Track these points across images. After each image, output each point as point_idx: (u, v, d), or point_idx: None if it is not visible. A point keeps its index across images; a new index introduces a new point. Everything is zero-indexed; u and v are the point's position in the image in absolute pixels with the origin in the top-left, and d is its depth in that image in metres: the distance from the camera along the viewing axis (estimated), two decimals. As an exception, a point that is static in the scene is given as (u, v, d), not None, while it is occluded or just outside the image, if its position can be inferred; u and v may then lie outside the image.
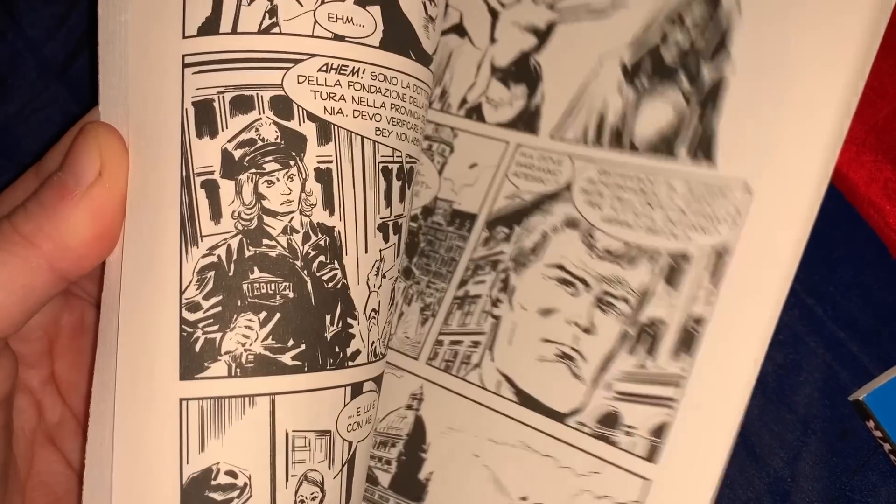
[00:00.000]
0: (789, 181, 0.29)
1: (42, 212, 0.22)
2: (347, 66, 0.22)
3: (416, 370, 0.31)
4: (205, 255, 0.21)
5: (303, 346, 0.22)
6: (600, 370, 0.29)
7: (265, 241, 0.21)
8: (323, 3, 0.21)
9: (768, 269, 0.30)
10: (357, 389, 0.23)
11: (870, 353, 0.32)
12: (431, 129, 0.34)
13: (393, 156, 0.23)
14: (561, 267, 0.30)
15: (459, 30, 0.35)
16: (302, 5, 0.21)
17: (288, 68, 0.21)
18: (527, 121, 0.32)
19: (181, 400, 0.21)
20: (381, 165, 0.23)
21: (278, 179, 0.21)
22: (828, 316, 0.32)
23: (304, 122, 0.21)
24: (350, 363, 0.23)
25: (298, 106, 0.21)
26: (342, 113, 0.22)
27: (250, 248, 0.21)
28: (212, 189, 0.21)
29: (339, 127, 0.22)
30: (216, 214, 0.21)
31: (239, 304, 0.21)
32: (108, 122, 0.22)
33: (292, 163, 0.21)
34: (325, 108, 0.22)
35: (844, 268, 0.33)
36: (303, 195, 0.21)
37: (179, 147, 0.21)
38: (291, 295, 0.22)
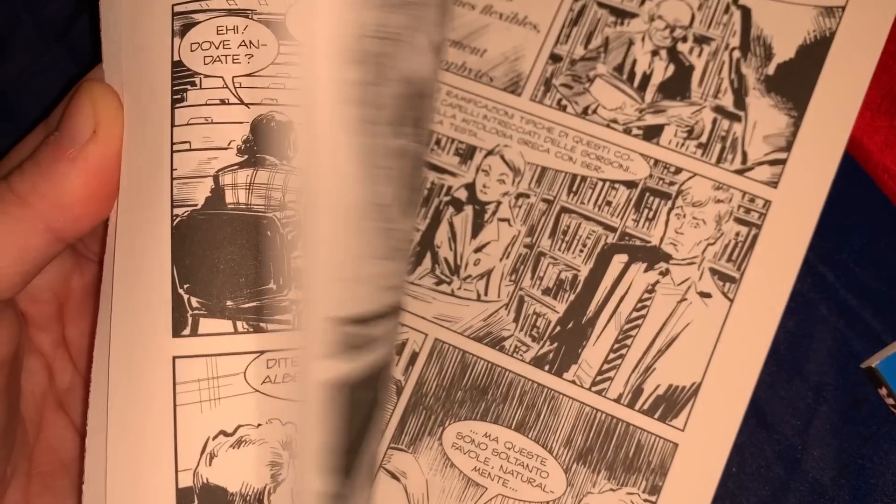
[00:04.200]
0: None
1: (37, 171, 0.21)
2: None
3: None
4: None
5: None
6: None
7: None
8: None
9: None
10: None
11: (882, 320, 0.32)
12: None
13: None
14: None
15: None
16: None
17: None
18: None
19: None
20: None
21: None
22: (840, 283, 0.32)
23: None
24: None
25: None
26: None
27: None
28: None
29: None
30: None
31: None
32: (104, 79, 0.22)
33: None
34: None
35: (858, 235, 0.32)
36: None
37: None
38: None
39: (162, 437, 0.20)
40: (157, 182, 0.21)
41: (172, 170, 0.21)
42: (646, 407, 0.30)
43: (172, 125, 0.21)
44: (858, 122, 0.31)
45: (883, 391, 0.30)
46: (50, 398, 0.27)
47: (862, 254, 0.32)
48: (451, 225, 0.31)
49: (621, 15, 0.33)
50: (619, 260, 0.31)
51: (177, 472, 0.20)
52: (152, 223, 0.21)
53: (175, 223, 0.21)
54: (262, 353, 0.21)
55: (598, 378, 0.30)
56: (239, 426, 0.20)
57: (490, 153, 0.32)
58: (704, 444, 0.29)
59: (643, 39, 0.33)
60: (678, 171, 0.31)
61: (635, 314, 0.31)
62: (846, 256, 0.32)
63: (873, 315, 0.32)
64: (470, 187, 0.32)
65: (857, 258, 0.32)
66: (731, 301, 0.30)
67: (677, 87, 0.32)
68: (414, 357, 0.31)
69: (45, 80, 0.35)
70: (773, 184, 0.31)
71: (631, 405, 0.30)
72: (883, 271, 0.32)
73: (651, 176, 0.31)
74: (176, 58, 0.21)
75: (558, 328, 0.30)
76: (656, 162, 0.31)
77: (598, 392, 0.30)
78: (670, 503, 0.29)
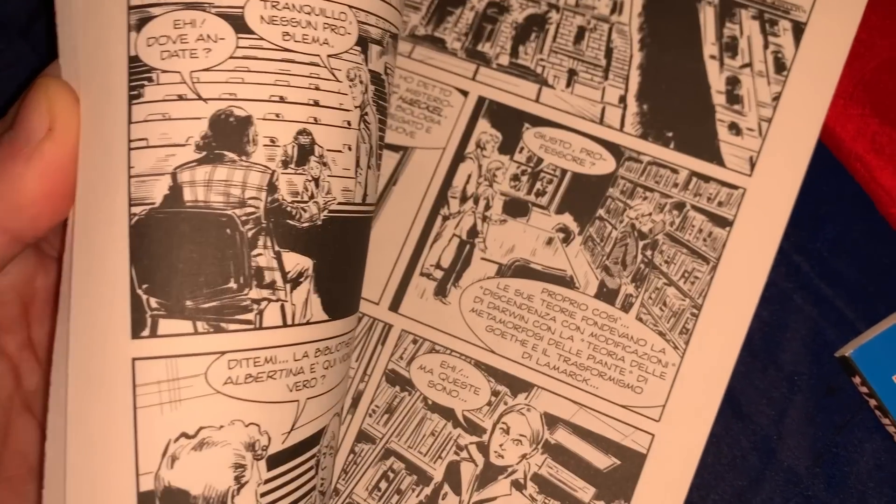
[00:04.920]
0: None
1: None
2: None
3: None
4: None
5: None
6: None
7: None
8: None
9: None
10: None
11: (856, 309, 0.32)
12: None
13: None
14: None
15: None
16: None
17: None
18: None
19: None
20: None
21: None
22: (814, 272, 0.32)
23: None
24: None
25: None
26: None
27: None
28: None
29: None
30: None
31: None
32: (60, 76, 0.21)
33: None
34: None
35: (831, 224, 0.32)
36: None
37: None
38: None
39: (122, 440, 0.20)
40: (114, 180, 0.20)
41: (130, 167, 0.20)
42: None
43: (129, 122, 0.20)
44: (831, 110, 0.31)
45: (857, 380, 0.31)
46: (17, 401, 0.26)
47: (835, 243, 0.32)
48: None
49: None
50: None
51: (138, 475, 0.20)
52: (109, 222, 0.20)
53: (133, 222, 0.20)
54: (223, 353, 0.20)
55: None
56: (201, 428, 0.20)
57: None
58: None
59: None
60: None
61: None
62: (820, 245, 0.32)
63: (847, 304, 0.32)
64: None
65: (831, 247, 0.32)
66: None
67: None
68: None
69: (9, 76, 0.34)
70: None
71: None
72: (856, 260, 0.32)
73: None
74: (133, 53, 0.20)
75: None
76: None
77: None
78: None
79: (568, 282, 0.31)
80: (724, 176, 0.31)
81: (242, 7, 0.20)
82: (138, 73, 0.20)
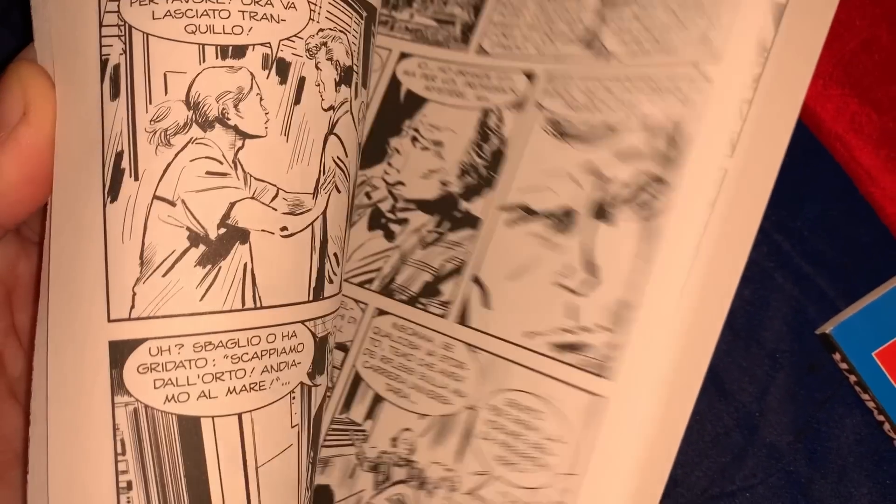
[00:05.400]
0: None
1: None
2: None
3: None
4: None
5: None
6: None
7: None
8: None
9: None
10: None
11: (836, 287, 0.32)
12: None
13: None
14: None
15: None
16: None
17: None
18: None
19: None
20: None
21: None
22: (795, 251, 0.32)
23: None
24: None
25: None
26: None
27: None
28: None
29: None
30: None
31: None
32: (34, 59, 0.21)
33: None
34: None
35: (811, 203, 0.33)
36: None
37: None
38: None
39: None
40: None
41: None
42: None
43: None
44: (810, 90, 0.31)
45: (837, 356, 0.31)
46: (1, 387, 0.26)
47: (816, 222, 0.32)
48: None
49: None
50: None
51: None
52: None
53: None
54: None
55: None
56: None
57: None
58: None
59: None
60: None
61: None
62: (800, 224, 0.33)
63: (828, 282, 0.32)
64: None
65: (812, 226, 0.32)
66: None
67: None
68: None
69: (-11, 63, 0.34)
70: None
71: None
72: (837, 239, 0.32)
73: None
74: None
75: None
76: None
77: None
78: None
79: None
80: None
81: None
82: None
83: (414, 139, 0.31)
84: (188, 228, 0.20)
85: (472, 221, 0.30)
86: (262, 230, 0.21)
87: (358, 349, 0.30)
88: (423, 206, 0.31)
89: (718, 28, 0.28)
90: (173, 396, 0.20)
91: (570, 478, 0.26)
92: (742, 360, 0.32)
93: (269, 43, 0.20)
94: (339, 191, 0.23)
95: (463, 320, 0.29)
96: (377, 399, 0.29)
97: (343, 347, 0.30)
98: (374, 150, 0.32)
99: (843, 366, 0.31)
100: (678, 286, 0.29)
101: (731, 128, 0.29)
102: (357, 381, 0.30)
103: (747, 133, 0.31)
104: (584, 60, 0.29)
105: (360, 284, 0.31)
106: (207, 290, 0.20)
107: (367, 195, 0.32)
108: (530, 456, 0.26)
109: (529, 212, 0.29)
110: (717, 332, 0.30)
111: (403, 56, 0.32)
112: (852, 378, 0.31)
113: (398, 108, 0.32)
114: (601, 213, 0.28)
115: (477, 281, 0.29)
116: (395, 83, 0.32)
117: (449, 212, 0.30)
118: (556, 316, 0.27)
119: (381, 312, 0.30)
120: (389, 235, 0.31)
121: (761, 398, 0.31)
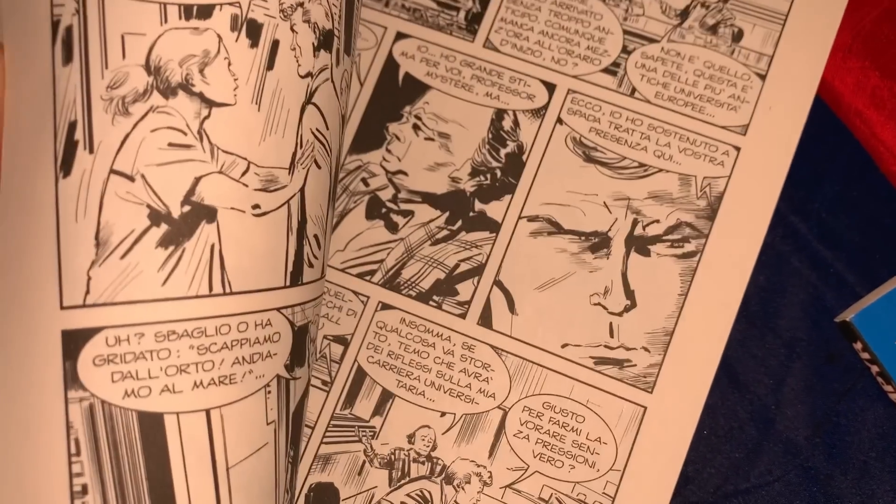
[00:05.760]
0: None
1: None
2: None
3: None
4: None
5: None
6: None
7: None
8: None
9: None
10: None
11: (856, 272, 0.30)
12: None
13: None
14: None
15: None
16: None
17: None
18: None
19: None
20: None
21: None
22: (812, 234, 0.31)
23: None
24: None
25: None
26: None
27: None
28: None
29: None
30: None
31: None
32: None
33: None
34: None
35: (829, 183, 0.31)
36: None
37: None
38: None
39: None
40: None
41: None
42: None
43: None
44: (829, 64, 0.30)
45: (858, 345, 0.29)
46: None
47: (834, 203, 0.31)
48: None
49: None
50: None
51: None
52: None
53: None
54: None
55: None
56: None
57: None
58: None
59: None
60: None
61: None
62: (818, 206, 0.31)
63: (847, 267, 0.30)
64: None
65: (830, 207, 0.31)
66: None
67: None
68: None
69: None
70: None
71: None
72: (856, 221, 0.31)
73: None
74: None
75: None
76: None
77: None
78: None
79: None
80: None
81: None
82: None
83: (416, 127, 0.30)
84: (148, 206, 0.18)
85: (489, 224, 0.30)
86: (232, 208, 0.19)
87: (360, 343, 0.29)
88: (431, 199, 0.30)
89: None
90: (133, 391, 0.18)
91: (613, 474, 0.28)
92: (757, 349, 0.30)
93: (239, 2, 0.19)
94: (319, 166, 0.21)
95: (485, 322, 0.29)
96: (386, 395, 0.28)
97: (342, 341, 0.29)
98: (371, 134, 0.31)
99: (865, 355, 0.29)
100: (713, 315, 0.28)
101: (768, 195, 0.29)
102: (361, 376, 0.29)
103: (762, 109, 0.29)
104: (607, 86, 0.30)
105: (360, 276, 0.30)
106: (170, 274, 0.18)
107: (365, 181, 0.30)
108: (572, 454, 0.28)
109: (556, 226, 0.30)
110: (731, 320, 0.28)
111: (401, 36, 0.31)
112: (874, 368, 0.29)
113: (396, 92, 0.31)
114: (635, 242, 0.29)
115: (500, 285, 0.29)
116: (391, 64, 0.31)
117: (462, 210, 0.30)
118: (596, 332, 0.29)
119: (386, 306, 0.29)
120: (392, 227, 0.30)
121: (777, 390, 0.30)
